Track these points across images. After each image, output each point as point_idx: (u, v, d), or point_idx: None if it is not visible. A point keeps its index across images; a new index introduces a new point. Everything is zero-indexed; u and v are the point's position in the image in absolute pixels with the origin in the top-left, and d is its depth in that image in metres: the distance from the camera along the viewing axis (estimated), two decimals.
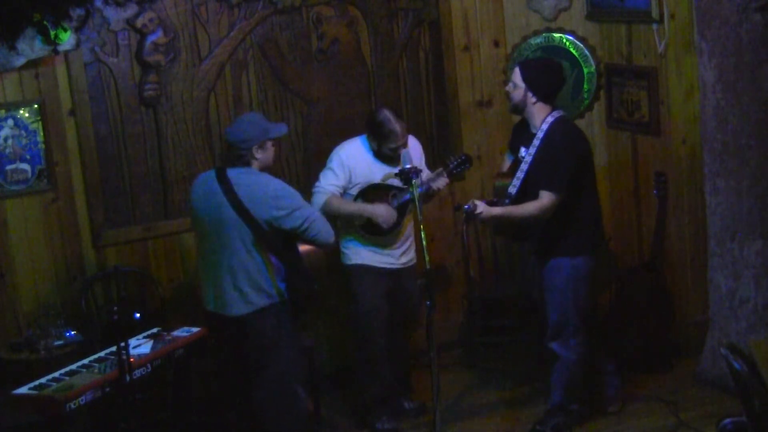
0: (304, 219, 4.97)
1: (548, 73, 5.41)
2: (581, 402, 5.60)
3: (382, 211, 5.54)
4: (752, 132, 5.53)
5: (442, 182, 5.63)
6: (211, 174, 5.12)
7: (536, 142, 5.32)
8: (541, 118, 5.34)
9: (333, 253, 5.75)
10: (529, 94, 5.33)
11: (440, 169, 5.67)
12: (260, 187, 4.99)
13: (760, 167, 5.55)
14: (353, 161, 5.62)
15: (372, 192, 5.61)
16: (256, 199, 4.96)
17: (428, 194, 5.64)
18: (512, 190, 5.36)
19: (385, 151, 5.58)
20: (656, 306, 6.19)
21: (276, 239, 5.01)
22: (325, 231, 5.02)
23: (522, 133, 5.49)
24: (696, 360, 6.01)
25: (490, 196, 6.81)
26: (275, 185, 5.02)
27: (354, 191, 5.62)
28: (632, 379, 6.00)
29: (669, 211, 6.18)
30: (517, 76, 5.36)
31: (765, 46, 5.42)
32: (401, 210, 5.61)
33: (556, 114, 5.37)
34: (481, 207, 5.26)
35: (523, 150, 5.41)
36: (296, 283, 5.08)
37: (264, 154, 5.07)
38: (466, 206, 5.26)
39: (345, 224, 5.70)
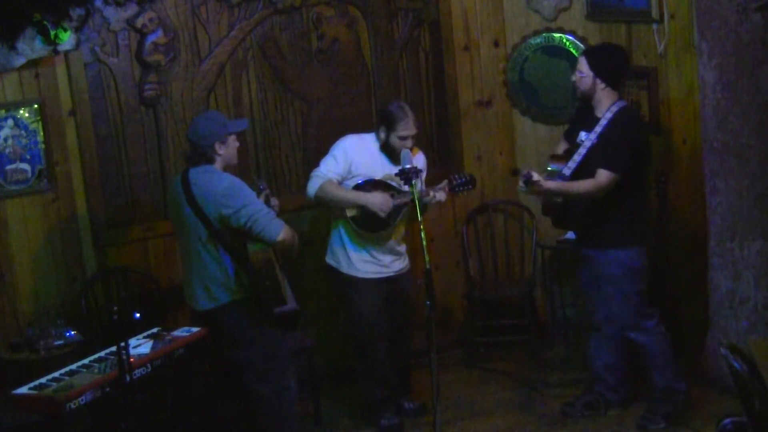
0: (248, 217, 4.98)
1: (614, 58, 5.46)
2: (689, 384, 5.59)
3: (377, 200, 5.51)
4: (752, 132, 5.53)
5: (441, 195, 5.61)
6: (179, 176, 5.22)
7: (598, 128, 5.34)
8: (608, 104, 5.37)
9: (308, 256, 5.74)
10: (598, 81, 5.35)
11: (444, 183, 5.66)
12: (212, 185, 5.04)
13: (760, 167, 5.54)
14: (356, 152, 5.62)
15: (370, 188, 5.59)
16: (207, 197, 5.02)
17: (425, 203, 5.60)
18: (567, 171, 5.36)
19: (393, 141, 5.55)
20: (656, 305, 6.17)
21: (228, 236, 5.06)
22: (270, 228, 5.00)
23: (583, 118, 5.50)
24: (696, 360, 6.00)
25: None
26: (225, 183, 5.06)
27: (351, 183, 5.60)
28: (632, 379, 5.99)
29: (669, 211, 6.18)
30: (583, 64, 5.38)
31: (765, 46, 5.42)
32: (395, 211, 5.59)
33: (620, 103, 5.40)
34: (537, 176, 5.25)
35: (583, 134, 5.43)
36: (244, 280, 5.11)
37: (226, 150, 5.13)
38: (525, 173, 5.24)
39: (336, 214, 5.67)
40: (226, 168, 5.16)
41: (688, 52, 5.89)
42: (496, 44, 6.72)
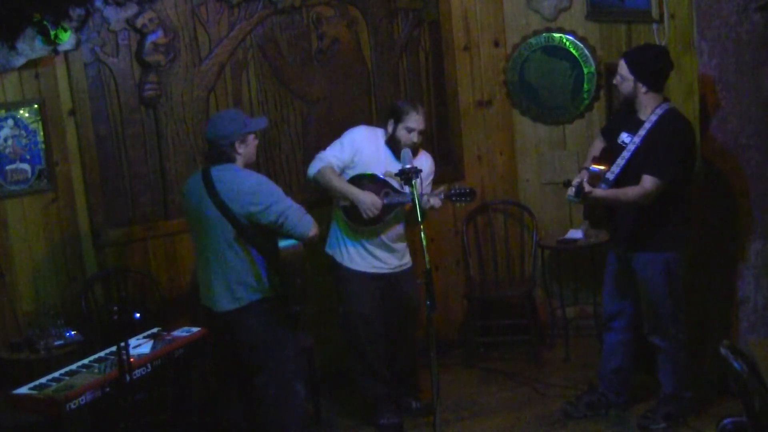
0: (279, 214, 4.97)
1: (655, 61, 5.32)
2: (693, 389, 5.57)
3: (366, 199, 5.54)
4: (752, 132, 5.53)
5: (436, 201, 5.61)
6: (197, 174, 5.18)
7: (642, 132, 5.25)
8: (652, 107, 5.28)
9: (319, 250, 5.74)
10: (639, 85, 5.25)
11: (441, 189, 5.67)
12: (238, 183, 5.02)
13: (760, 167, 5.55)
14: (364, 142, 5.67)
15: (367, 183, 5.61)
16: (233, 195, 4.99)
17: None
18: (610, 176, 5.25)
19: (400, 133, 5.58)
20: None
21: (256, 234, 5.03)
22: (301, 224, 4.99)
23: (625, 118, 5.40)
24: (696, 360, 6.00)
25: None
26: (252, 181, 5.05)
27: (351, 172, 5.63)
28: (634, 383, 5.99)
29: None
30: (623, 68, 5.28)
31: (765, 46, 5.42)
32: (387, 209, 5.60)
33: (665, 106, 5.30)
34: (590, 187, 5.15)
35: (625, 135, 5.34)
36: (274, 278, 5.09)
37: (246, 149, 5.10)
38: (575, 183, 5.13)
39: (336, 205, 5.71)
40: (246, 166, 5.13)
41: (688, 52, 5.89)
42: (496, 44, 6.73)
